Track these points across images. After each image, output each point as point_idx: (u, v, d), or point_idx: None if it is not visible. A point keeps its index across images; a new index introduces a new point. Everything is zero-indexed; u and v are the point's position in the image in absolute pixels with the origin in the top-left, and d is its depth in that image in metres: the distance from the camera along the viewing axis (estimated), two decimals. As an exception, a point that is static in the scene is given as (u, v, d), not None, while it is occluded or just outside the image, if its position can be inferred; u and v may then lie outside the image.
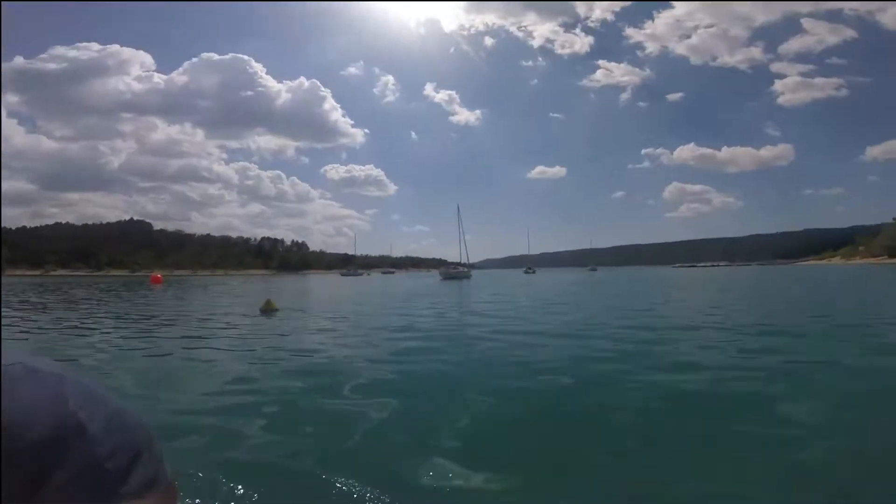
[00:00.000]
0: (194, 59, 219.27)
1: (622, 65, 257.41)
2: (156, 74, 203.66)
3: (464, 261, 57.91)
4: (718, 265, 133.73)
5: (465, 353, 7.41)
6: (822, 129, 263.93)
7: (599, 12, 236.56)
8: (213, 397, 5.11)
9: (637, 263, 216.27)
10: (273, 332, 10.49)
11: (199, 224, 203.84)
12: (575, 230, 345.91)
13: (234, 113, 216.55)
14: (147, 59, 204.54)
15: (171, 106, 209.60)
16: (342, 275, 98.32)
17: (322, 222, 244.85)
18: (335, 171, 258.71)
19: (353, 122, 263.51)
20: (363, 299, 22.07)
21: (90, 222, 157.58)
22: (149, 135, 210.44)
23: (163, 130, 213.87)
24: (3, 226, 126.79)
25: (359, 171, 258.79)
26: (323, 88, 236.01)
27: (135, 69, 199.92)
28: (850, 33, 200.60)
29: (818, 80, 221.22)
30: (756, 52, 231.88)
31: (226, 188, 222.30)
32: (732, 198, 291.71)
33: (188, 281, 63.62)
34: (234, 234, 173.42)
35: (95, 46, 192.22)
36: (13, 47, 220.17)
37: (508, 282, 42.04)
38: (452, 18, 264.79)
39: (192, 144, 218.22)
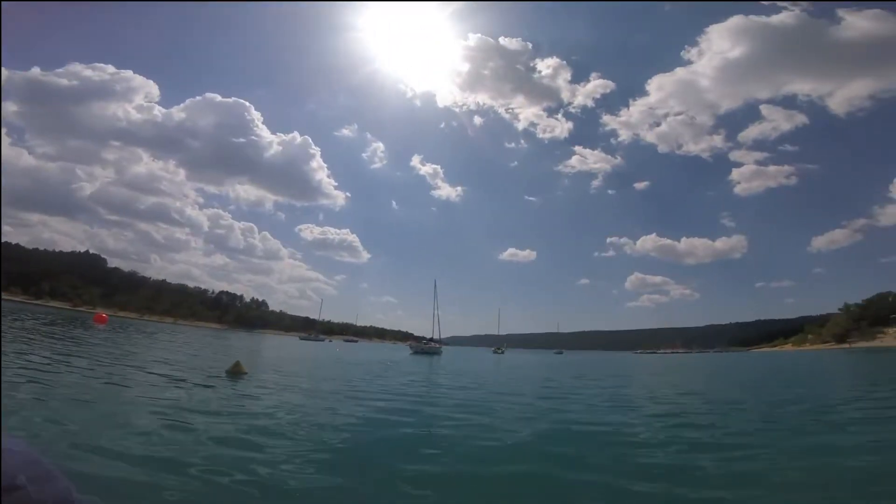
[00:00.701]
0: (197, 98, 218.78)
1: (596, 151, 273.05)
2: (157, 107, 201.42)
3: (436, 336, 56.51)
4: (678, 352, 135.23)
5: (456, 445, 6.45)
6: (772, 220, 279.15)
7: (581, 98, 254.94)
8: (195, 469, 4.05)
9: (600, 348, 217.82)
10: (247, 400, 9.21)
11: (158, 268, 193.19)
12: (542, 313, 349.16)
13: (222, 158, 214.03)
14: (154, 89, 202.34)
15: (162, 141, 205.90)
16: (301, 338, 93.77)
17: (287, 283, 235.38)
18: (310, 231, 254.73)
19: (336, 183, 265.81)
20: (335, 369, 20.46)
21: (41, 248, 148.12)
22: (130, 167, 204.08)
23: (146, 164, 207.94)
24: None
25: (334, 233, 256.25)
26: (314, 146, 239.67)
27: (139, 98, 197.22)
28: (801, 119, 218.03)
29: (771, 168, 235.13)
30: (718, 139, 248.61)
31: (193, 234, 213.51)
32: (689, 290, 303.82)
33: (134, 325, 59.09)
34: (191, 284, 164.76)
35: (111, 69, 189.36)
36: (34, 57, 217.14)
37: (481, 360, 40.57)
38: (447, 94, 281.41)
39: (172, 184, 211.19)
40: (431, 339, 55.55)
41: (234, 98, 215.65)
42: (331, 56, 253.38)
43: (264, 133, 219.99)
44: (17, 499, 0.40)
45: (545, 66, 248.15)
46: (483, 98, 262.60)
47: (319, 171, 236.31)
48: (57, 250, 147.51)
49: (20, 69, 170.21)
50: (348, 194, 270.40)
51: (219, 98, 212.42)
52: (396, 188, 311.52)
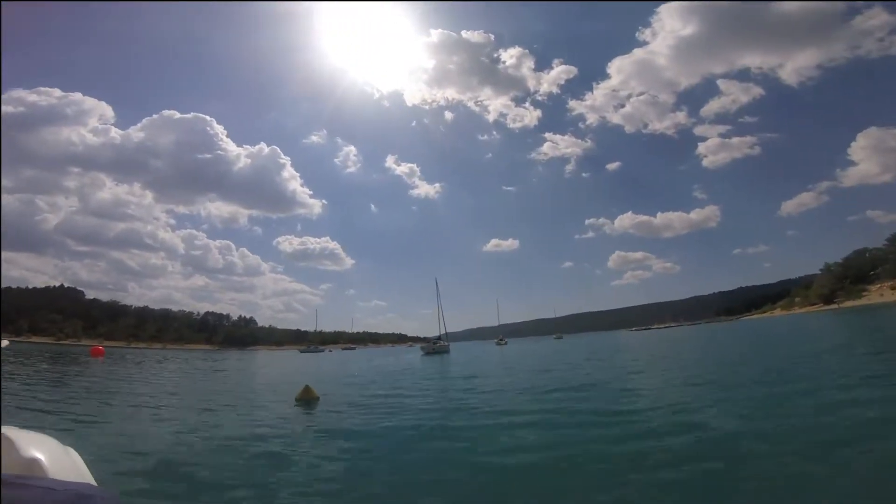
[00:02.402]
0: (154, 116, 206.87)
1: (566, 136, 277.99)
2: (113, 128, 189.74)
3: (441, 335, 55.89)
4: (671, 326, 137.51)
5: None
6: (741, 189, 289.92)
7: (546, 86, 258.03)
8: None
9: (594, 329, 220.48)
10: (340, 429, 8.60)
11: (137, 295, 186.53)
12: (532, 301, 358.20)
13: (188, 176, 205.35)
14: (108, 111, 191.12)
15: (123, 163, 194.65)
16: (301, 351, 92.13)
17: (271, 297, 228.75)
18: (289, 243, 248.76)
19: (311, 192, 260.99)
20: (383, 381, 19.45)
21: (13, 286, 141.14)
22: (94, 193, 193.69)
23: (110, 189, 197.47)
24: None
25: (314, 243, 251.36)
26: (283, 156, 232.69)
27: (92, 120, 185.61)
28: (758, 91, 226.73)
29: (734, 140, 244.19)
30: (681, 116, 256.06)
31: (169, 258, 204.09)
32: (670, 262, 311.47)
33: (126, 354, 56.87)
34: (174, 308, 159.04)
35: (57, 92, 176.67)
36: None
37: (495, 353, 39.80)
38: (415, 92, 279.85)
39: (139, 207, 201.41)
40: (439, 339, 55.02)
41: (193, 113, 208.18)
42: (290, 61, 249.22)
43: (230, 146, 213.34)
44: None
45: (508, 56, 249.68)
46: (451, 93, 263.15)
47: (292, 180, 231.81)
48: (30, 287, 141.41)
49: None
50: (324, 202, 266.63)
51: (177, 115, 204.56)
52: (373, 191, 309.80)
